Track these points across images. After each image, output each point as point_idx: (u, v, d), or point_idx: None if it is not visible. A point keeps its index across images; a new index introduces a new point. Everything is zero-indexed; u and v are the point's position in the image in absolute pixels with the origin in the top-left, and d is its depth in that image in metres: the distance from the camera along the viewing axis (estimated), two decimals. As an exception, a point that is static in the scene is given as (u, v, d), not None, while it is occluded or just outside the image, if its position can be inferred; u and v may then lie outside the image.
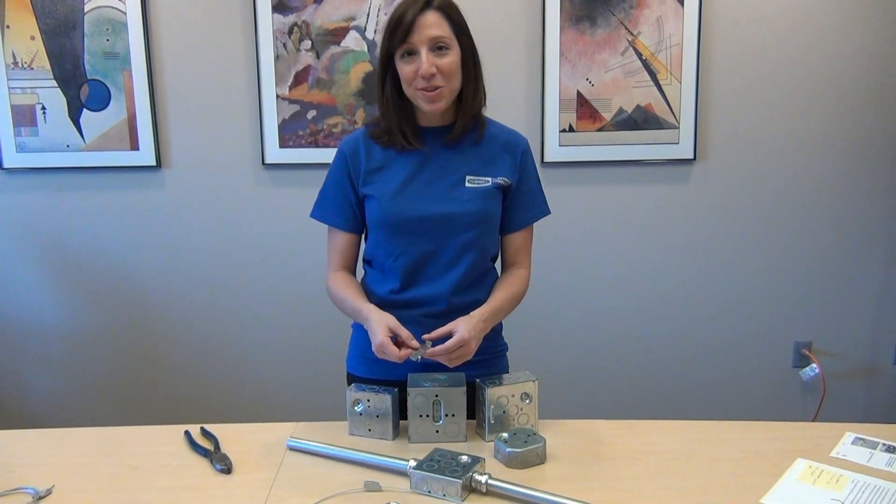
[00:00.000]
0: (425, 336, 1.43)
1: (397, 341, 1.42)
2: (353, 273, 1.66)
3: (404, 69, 1.47)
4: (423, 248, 1.55)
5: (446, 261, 1.56)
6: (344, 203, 1.60)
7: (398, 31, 1.45)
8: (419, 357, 1.41)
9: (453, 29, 1.48)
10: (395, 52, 1.48)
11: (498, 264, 1.69)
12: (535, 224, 1.66)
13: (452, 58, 1.47)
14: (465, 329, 1.42)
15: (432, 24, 1.45)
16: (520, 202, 1.61)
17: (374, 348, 1.43)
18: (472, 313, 1.49)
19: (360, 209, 1.60)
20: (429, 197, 1.54)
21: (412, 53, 1.46)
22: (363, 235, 1.66)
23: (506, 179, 1.58)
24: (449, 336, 1.42)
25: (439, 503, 1.25)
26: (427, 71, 1.44)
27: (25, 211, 2.78)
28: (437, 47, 1.46)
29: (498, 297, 1.57)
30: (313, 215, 1.65)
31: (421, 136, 1.56)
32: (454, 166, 1.56)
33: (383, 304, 1.53)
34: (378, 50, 1.55)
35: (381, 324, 1.43)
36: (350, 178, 1.58)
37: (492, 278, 1.64)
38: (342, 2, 2.62)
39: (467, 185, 1.55)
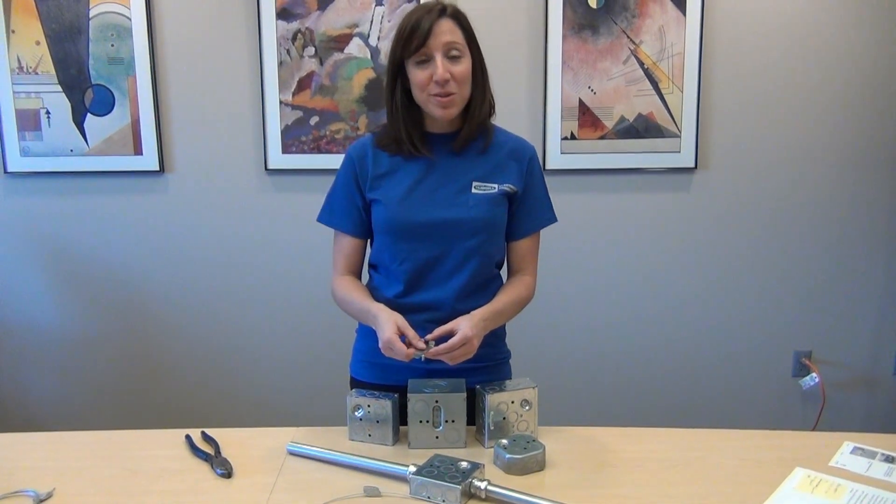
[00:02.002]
0: (427, 336, 1.44)
1: (404, 341, 1.43)
2: (359, 278, 1.67)
3: (418, 75, 1.49)
4: (428, 253, 1.56)
5: (451, 266, 1.57)
6: (351, 208, 1.61)
7: (414, 38, 1.46)
8: (423, 357, 1.42)
9: (465, 37, 1.50)
10: (407, 59, 1.50)
11: (504, 272, 1.69)
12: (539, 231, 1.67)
13: (465, 65, 1.49)
14: (468, 327, 1.43)
15: (447, 31, 1.47)
16: (526, 209, 1.62)
17: (381, 345, 1.43)
18: (473, 312, 1.50)
19: (366, 214, 1.61)
20: (435, 202, 1.55)
21: (426, 60, 1.48)
22: (369, 241, 1.67)
23: (512, 186, 1.58)
24: (451, 334, 1.44)
25: (438, 509, 1.25)
26: (442, 76, 1.46)
27: (29, 215, 2.79)
28: (451, 55, 1.47)
29: (501, 299, 1.58)
30: (320, 220, 1.66)
31: (428, 143, 1.58)
32: (461, 172, 1.57)
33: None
34: (383, 57, 1.56)
35: (389, 321, 1.44)
36: (357, 183, 1.59)
37: (497, 285, 1.64)
38: (346, 9, 2.64)
39: (473, 191, 1.56)
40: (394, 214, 1.55)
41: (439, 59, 1.46)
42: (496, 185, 1.57)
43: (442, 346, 1.42)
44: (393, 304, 1.54)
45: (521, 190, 1.60)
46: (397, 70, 1.53)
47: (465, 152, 1.58)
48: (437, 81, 1.47)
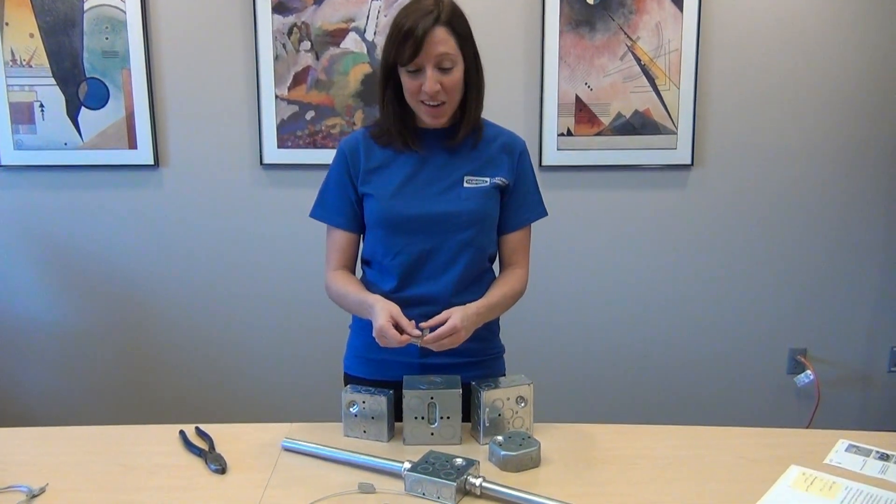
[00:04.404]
0: (422, 324, 1.44)
1: (398, 328, 1.43)
2: (353, 273, 1.66)
3: (409, 82, 1.48)
4: (420, 247, 1.56)
5: (444, 259, 1.57)
6: (344, 202, 1.61)
7: (406, 47, 1.44)
8: (418, 342, 1.43)
9: (459, 42, 1.48)
10: (400, 64, 1.49)
11: (496, 266, 1.69)
12: (533, 227, 1.67)
13: (456, 75, 1.48)
14: (458, 318, 1.44)
15: (439, 42, 1.44)
16: (517, 202, 1.62)
17: (374, 333, 1.43)
18: (467, 304, 1.50)
19: (359, 208, 1.61)
20: (427, 196, 1.55)
21: (418, 70, 1.47)
22: (362, 235, 1.66)
23: (503, 179, 1.59)
24: (444, 324, 1.44)
25: (433, 505, 1.25)
26: (431, 89, 1.46)
27: (22, 209, 2.78)
28: (443, 66, 1.46)
29: (494, 293, 1.58)
30: (313, 215, 1.65)
31: (420, 138, 1.57)
32: (453, 167, 1.57)
33: None
34: (379, 52, 1.56)
35: (384, 310, 1.44)
36: (350, 177, 1.59)
37: (489, 279, 1.65)
38: (342, 3, 2.63)
39: (465, 185, 1.56)
40: (386, 208, 1.55)
41: (430, 71, 1.45)
42: (488, 179, 1.58)
43: (431, 335, 1.42)
44: (388, 299, 1.54)
45: (511, 183, 1.60)
46: (390, 70, 1.52)
47: (457, 147, 1.58)
48: (426, 93, 1.47)
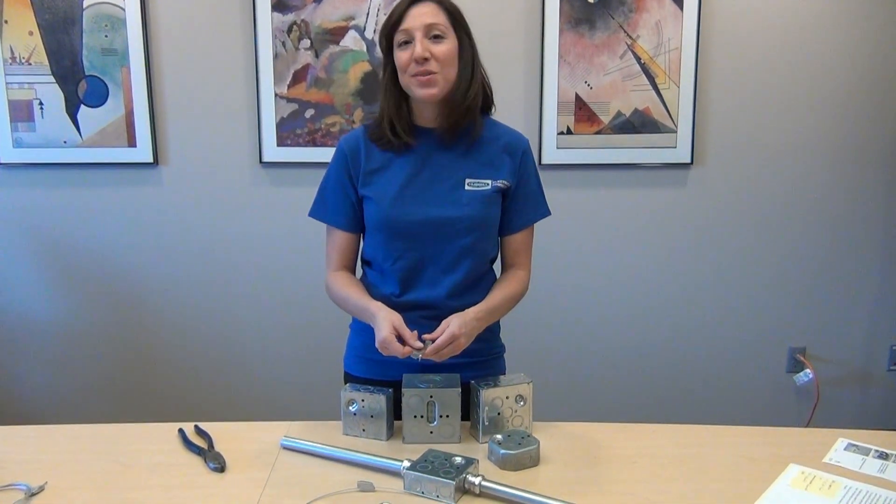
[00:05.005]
0: (426, 336, 1.43)
1: (400, 339, 1.42)
2: (353, 272, 1.66)
3: (400, 57, 1.48)
4: (421, 252, 1.55)
5: (445, 265, 1.56)
6: (344, 202, 1.59)
7: (394, 18, 1.48)
8: (419, 356, 1.42)
9: (450, 21, 1.49)
10: (393, 42, 1.49)
11: (497, 266, 1.69)
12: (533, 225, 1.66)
13: (448, 46, 1.48)
14: (456, 325, 1.43)
15: (427, 13, 1.47)
16: (519, 204, 1.61)
17: (377, 344, 1.43)
18: (466, 310, 1.49)
19: (360, 208, 1.60)
20: (428, 200, 1.54)
21: (408, 41, 1.47)
22: (362, 234, 1.66)
23: (505, 182, 1.57)
24: None
25: (432, 504, 1.25)
26: (420, 54, 1.45)
27: (22, 207, 2.77)
28: (433, 35, 1.46)
29: (495, 296, 1.57)
30: (312, 214, 1.64)
31: (419, 136, 1.56)
32: (454, 168, 1.56)
33: None
34: (378, 50, 1.56)
35: (387, 320, 1.43)
36: (350, 177, 1.58)
37: (489, 279, 1.64)
38: (342, 1, 2.62)
39: (467, 188, 1.54)
40: (386, 214, 1.54)
41: (418, 38, 1.45)
42: (490, 182, 1.56)
43: (430, 347, 1.42)
44: (388, 303, 1.54)
45: (514, 184, 1.59)
46: (389, 58, 1.53)
47: (458, 147, 1.56)
48: (415, 60, 1.46)
